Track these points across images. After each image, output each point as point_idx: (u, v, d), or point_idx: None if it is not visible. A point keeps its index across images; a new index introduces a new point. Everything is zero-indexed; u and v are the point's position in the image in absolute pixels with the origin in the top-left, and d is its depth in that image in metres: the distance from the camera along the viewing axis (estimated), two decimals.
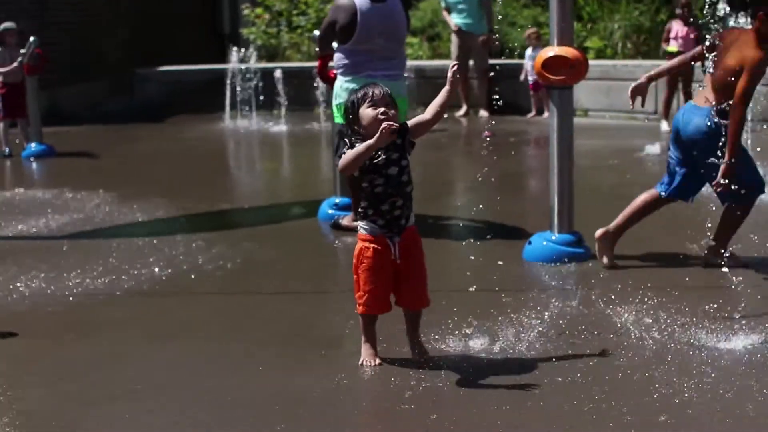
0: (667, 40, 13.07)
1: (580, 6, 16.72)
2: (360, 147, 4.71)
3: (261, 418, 4.40)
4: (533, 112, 15.09)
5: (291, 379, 4.83)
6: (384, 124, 4.63)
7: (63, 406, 4.62)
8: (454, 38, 15.38)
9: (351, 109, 4.89)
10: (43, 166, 12.32)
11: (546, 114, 14.44)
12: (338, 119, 7.51)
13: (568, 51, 6.59)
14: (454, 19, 15.16)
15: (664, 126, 12.87)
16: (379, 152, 4.77)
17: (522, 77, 15.09)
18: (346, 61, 7.65)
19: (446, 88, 4.91)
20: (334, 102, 7.79)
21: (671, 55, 12.45)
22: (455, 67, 4.92)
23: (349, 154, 4.74)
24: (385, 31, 7.57)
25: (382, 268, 4.85)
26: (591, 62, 6.94)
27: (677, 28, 12.96)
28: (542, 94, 14.54)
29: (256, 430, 4.27)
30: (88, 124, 15.59)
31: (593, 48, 16.33)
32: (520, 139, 13.21)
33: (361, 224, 4.92)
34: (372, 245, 4.85)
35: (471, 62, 15.20)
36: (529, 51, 14.90)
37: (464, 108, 15.29)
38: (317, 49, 8.33)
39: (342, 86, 7.65)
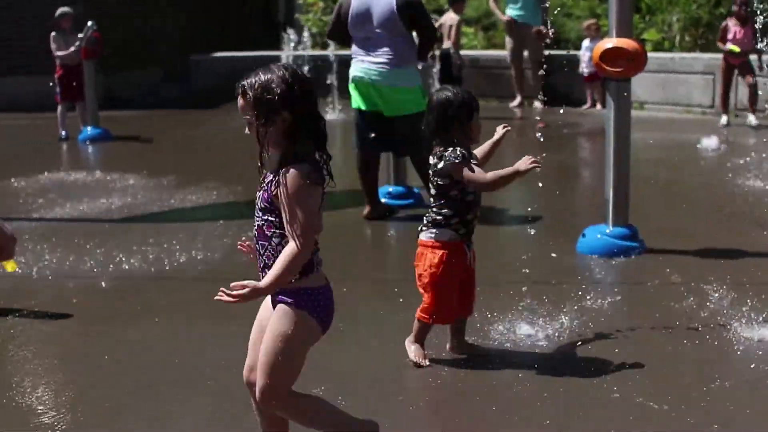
0: (724, 40, 12.58)
1: None
2: (509, 172, 4.68)
3: None
4: (588, 104, 14.96)
5: (332, 364, 4.83)
6: (532, 164, 4.66)
7: (113, 388, 4.65)
8: (508, 30, 15.29)
9: (458, 111, 4.76)
10: (99, 149, 12.43)
11: (599, 107, 14.33)
12: (352, 102, 7.99)
13: (626, 43, 6.51)
14: (509, 11, 15.06)
15: (723, 120, 12.68)
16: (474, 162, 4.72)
17: (579, 69, 14.95)
18: (352, 48, 7.94)
19: (493, 141, 4.98)
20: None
21: (733, 55, 12.31)
22: (505, 129, 4.97)
23: (502, 176, 4.70)
24: (370, 19, 7.68)
25: (457, 277, 4.79)
26: (648, 54, 6.84)
27: (735, 28, 12.50)
28: (597, 86, 14.43)
29: None
30: (144, 109, 15.71)
31: (651, 40, 16.16)
32: (574, 131, 13.10)
33: (437, 232, 4.79)
34: (455, 253, 4.76)
35: (525, 53, 15.11)
36: (586, 42, 14.73)
37: (518, 99, 15.20)
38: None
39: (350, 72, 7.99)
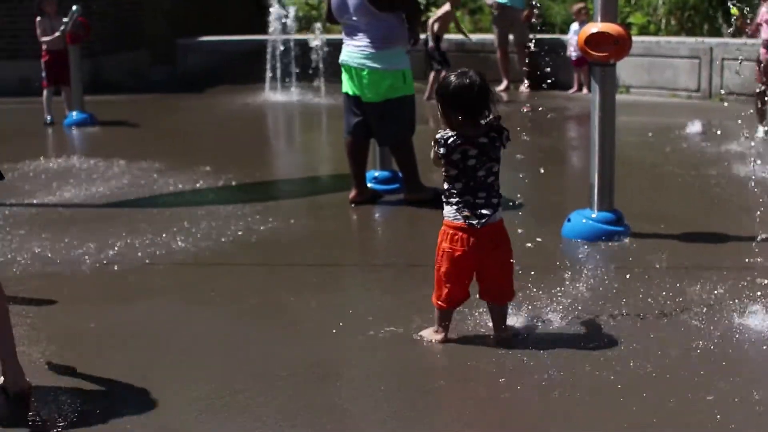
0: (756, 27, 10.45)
1: None
2: None
3: (300, 388, 4.42)
4: (574, 88, 14.99)
5: (329, 351, 4.86)
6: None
7: (101, 374, 4.66)
8: (494, 12, 15.31)
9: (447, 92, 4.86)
10: (84, 134, 12.40)
11: (585, 90, 14.35)
12: (342, 86, 8.00)
13: (611, 27, 6.52)
14: None
15: (760, 132, 10.49)
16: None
17: (568, 53, 14.97)
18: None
19: None
20: None
21: None
22: None
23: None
24: (347, 7, 7.75)
25: (458, 259, 4.92)
26: (634, 38, 6.86)
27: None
28: (585, 71, 14.44)
29: (294, 401, 4.28)
30: (130, 93, 15.68)
31: (636, 24, 16.18)
32: (561, 115, 13.13)
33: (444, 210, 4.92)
34: (448, 233, 4.92)
35: (511, 37, 15.13)
36: (575, 26, 14.73)
37: (504, 83, 15.21)
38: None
39: None
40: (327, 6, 8.09)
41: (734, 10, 10.09)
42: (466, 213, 4.79)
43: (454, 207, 4.82)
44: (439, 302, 4.92)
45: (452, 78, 4.85)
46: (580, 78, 14.89)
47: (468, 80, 4.81)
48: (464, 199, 4.81)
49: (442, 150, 4.82)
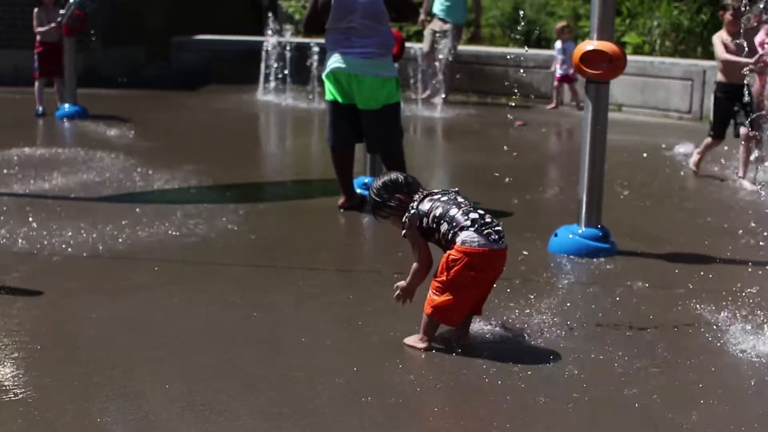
0: None
1: (621, 0, 16.62)
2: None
3: (282, 390, 4.43)
4: (553, 104, 15.10)
5: (312, 355, 4.87)
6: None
7: (84, 366, 4.66)
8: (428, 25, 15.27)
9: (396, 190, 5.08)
10: (75, 127, 12.39)
11: (553, 106, 14.55)
12: (326, 94, 7.93)
13: (607, 46, 6.55)
14: (434, 7, 15.02)
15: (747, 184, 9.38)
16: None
17: (552, 68, 15.14)
18: (327, 38, 7.86)
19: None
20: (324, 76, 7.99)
21: None
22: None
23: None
24: (359, 9, 7.65)
25: None
26: (628, 58, 6.89)
27: None
28: (563, 88, 14.73)
29: (275, 403, 4.29)
30: (123, 88, 15.67)
31: (631, 43, 16.26)
32: (551, 130, 13.17)
33: None
34: None
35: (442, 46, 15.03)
36: (558, 44, 14.94)
37: (428, 92, 15.23)
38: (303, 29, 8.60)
39: (326, 62, 7.89)
40: (311, 8, 7.85)
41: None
42: (488, 231, 4.81)
43: (472, 230, 4.80)
44: (449, 324, 4.96)
45: (380, 183, 5.12)
46: (560, 94, 15.01)
47: (392, 176, 5.14)
48: (474, 219, 4.82)
49: (413, 211, 4.94)
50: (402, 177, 5.13)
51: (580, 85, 13.55)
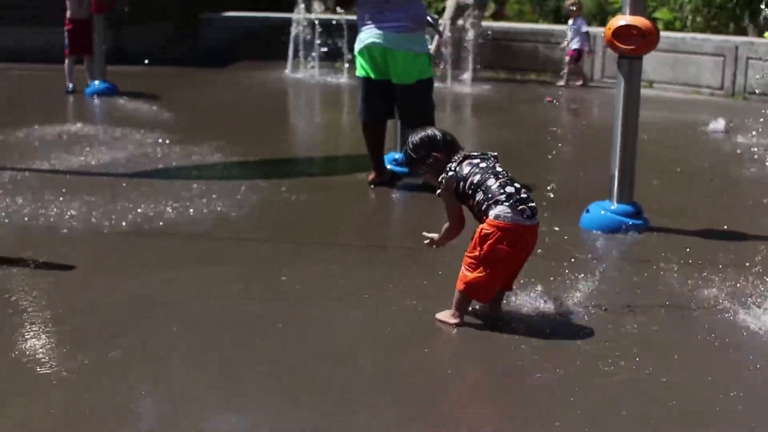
0: None
1: None
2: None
3: (307, 368, 4.42)
4: (563, 81, 14.99)
5: (338, 331, 4.86)
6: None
7: (112, 342, 4.67)
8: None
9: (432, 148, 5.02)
10: (105, 103, 12.43)
11: (580, 82, 14.41)
12: (357, 71, 7.90)
13: (640, 21, 6.49)
14: None
15: None
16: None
17: (563, 45, 15.08)
18: (359, 13, 7.85)
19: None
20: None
21: None
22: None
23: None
24: None
25: None
26: (660, 33, 6.82)
27: None
28: (575, 67, 14.65)
29: (299, 382, 4.29)
30: (152, 65, 15.68)
31: (662, 19, 16.13)
32: (582, 106, 13.09)
33: None
34: None
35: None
36: (570, 21, 14.92)
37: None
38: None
39: (358, 38, 7.87)
40: None
41: None
42: (522, 207, 4.77)
43: (506, 205, 4.76)
44: (481, 300, 4.92)
45: (417, 139, 5.07)
46: (569, 72, 14.94)
47: (430, 132, 5.08)
48: (510, 193, 4.78)
49: (451, 173, 4.89)
50: (440, 134, 5.06)
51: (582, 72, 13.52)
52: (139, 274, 5.71)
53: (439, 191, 4.97)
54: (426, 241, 5.15)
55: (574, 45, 14.79)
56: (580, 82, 15.00)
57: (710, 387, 4.28)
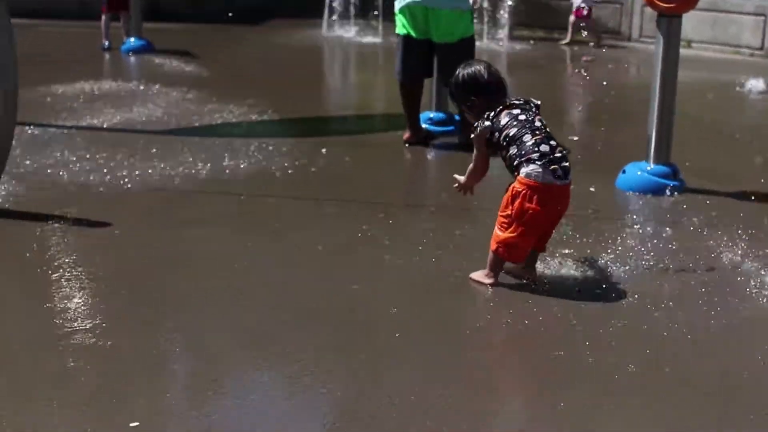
0: None
1: None
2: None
3: (338, 326, 4.44)
4: (567, 39, 14.79)
5: (376, 288, 4.86)
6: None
7: (148, 301, 4.70)
8: None
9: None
10: (141, 60, 12.44)
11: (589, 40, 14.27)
12: (398, 29, 7.83)
13: None
14: None
15: None
16: None
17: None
18: None
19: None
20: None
21: None
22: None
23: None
24: None
25: None
26: None
27: None
28: (585, 25, 14.46)
29: (330, 341, 4.29)
30: (187, 22, 15.66)
31: None
32: (618, 65, 12.98)
33: None
34: None
35: None
36: None
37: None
38: None
39: None
40: None
41: None
42: (554, 167, 4.73)
43: (538, 164, 4.72)
44: (513, 260, 4.89)
45: (462, 77, 5.00)
46: (574, 29, 14.74)
47: (476, 71, 4.99)
48: (543, 152, 4.73)
49: (487, 123, 4.84)
50: (485, 77, 4.98)
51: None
52: (176, 230, 5.73)
53: (472, 135, 4.94)
54: (455, 185, 5.12)
55: (582, 3, 14.55)
56: (566, 40, 14.80)
57: (749, 350, 4.26)
